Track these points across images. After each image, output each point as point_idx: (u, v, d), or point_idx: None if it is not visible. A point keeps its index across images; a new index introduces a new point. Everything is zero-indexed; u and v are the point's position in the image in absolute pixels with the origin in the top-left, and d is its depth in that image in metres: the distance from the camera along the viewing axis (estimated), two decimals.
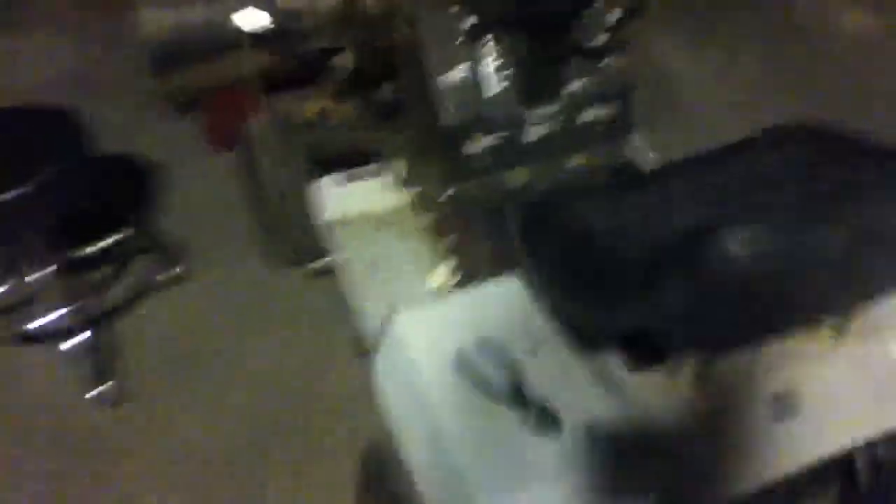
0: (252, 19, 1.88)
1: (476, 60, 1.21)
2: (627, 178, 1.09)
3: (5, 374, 1.59)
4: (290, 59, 1.97)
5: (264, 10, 1.91)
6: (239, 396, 1.62)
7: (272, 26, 1.84)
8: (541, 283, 0.90)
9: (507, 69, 1.21)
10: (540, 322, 0.87)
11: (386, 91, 1.51)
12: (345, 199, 1.52)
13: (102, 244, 1.72)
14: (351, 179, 1.55)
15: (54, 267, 1.61)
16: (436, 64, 1.20)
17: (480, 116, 1.21)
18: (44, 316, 1.62)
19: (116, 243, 1.74)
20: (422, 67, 1.24)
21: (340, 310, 1.59)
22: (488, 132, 1.22)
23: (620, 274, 0.77)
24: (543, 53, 1.19)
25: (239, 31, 1.94)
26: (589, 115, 1.26)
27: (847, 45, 2.50)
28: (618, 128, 1.28)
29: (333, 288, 1.65)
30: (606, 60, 1.24)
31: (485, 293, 0.92)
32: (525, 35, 1.20)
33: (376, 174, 1.53)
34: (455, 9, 1.21)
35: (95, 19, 2.76)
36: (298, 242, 1.70)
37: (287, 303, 1.77)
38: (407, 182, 1.47)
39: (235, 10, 1.98)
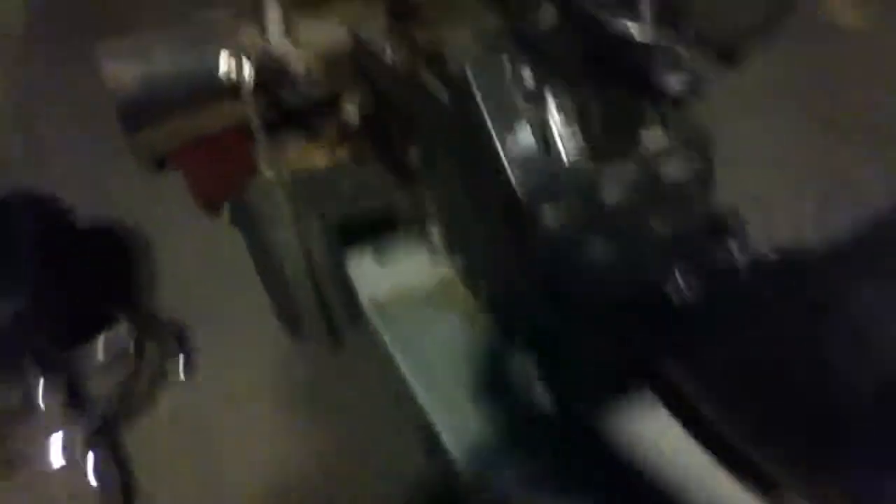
0: (237, 66, 1.71)
1: (542, 119, 1.06)
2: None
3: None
4: (279, 109, 1.80)
5: (251, 54, 1.74)
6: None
7: (261, 73, 1.67)
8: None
9: (578, 126, 1.07)
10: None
11: (412, 151, 1.35)
12: (387, 276, 1.36)
13: (103, 341, 1.53)
14: (388, 252, 1.39)
15: (55, 377, 1.42)
16: (497, 127, 1.05)
17: (553, 183, 1.06)
18: (50, 433, 1.43)
19: (118, 337, 1.55)
20: (470, 129, 1.09)
21: (385, 392, 1.44)
22: (562, 199, 1.07)
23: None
24: (618, 105, 1.05)
25: (221, 79, 1.76)
26: (668, 169, 1.12)
27: None
28: (699, 182, 1.15)
29: (370, 367, 1.50)
30: (685, 106, 1.10)
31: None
32: (596, 86, 1.05)
33: (415, 245, 1.38)
34: (511, 63, 1.06)
35: (44, 57, 2.52)
36: (322, 319, 1.53)
37: (314, 383, 1.61)
38: (452, 256, 1.32)
39: (213, 56, 1.81)
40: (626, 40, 0.88)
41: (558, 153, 1.06)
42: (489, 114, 1.05)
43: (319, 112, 1.76)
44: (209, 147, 1.92)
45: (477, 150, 1.10)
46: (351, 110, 1.64)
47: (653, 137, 1.10)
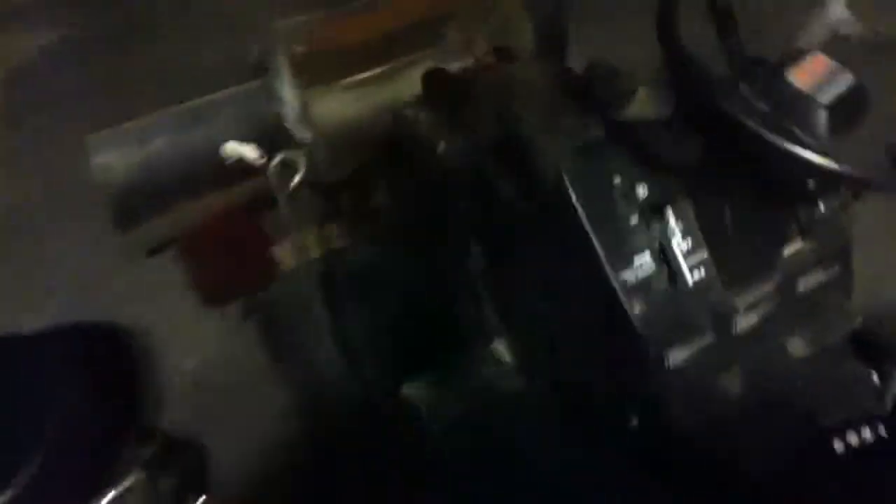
0: (242, 151, 1.50)
1: (661, 240, 0.87)
2: None
3: None
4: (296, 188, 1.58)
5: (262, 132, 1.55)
6: None
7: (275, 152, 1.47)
8: None
9: (705, 246, 0.87)
10: None
11: (475, 258, 1.15)
12: (451, 401, 1.16)
13: (114, 485, 1.30)
14: (448, 370, 1.18)
15: None
16: (607, 252, 0.85)
17: (678, 316, 0.87)
18: None
19: (129, 476, 1.32)
20: (568, 246, 0.90)
21: None
22: (692, 334, 0.88)
23: None
24: (755, 218, 0.86)
25: (228, 160, 1.55)
26: (807, 283, 0.94)
27: None
28: (838, 292, 0.96)
29: None
30: (822, 207, 0.91)
31: None
32: (729, 198, 0.86)
33: (479, 363, 1.17)
34: (618, 172, 0.87)
35: (28, 146, 2.24)
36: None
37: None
38: (528, 377, 1.12)
39: (218, 134, 1.60)
40: (788, 155, 0.69)
41: (684, 280, 0.86)
42: (596, 236, 0.86)
43: (338, 191, 1.56)
44: (215, 235, 1.71)
45: (578, 272, 0.90)
46: (381, 194, 1.45)
47: (793, 249, 0.91)
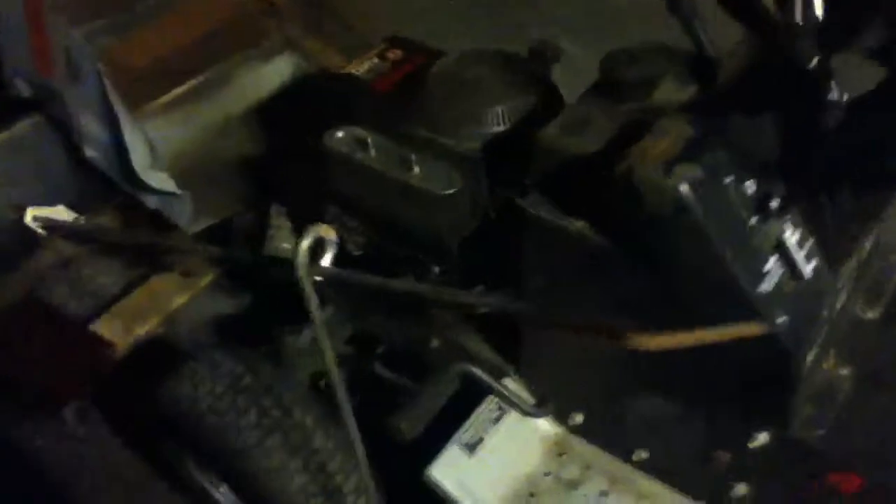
0: (51, 214, 1.15)
1: (778, 239, 0.77)
2: None
3: None
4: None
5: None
6: None
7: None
8: None
9: (813, 236, 0.79)
10: None
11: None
12: (486, 468, 0.96)
13: None
14: (475, 431, 0.97)
15: None
16: (743, 272, 0.73)
17: (807, 314, 0.79)
18: None
19: None
20: (693, 275, 0.76)
21: None
22: (816, 329, 0.80)
23: None
24: (851, 203, 0.80)
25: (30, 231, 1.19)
26: (868, 246, 0.91)
27: None
28: (878, 248, 0.95)
29: None
30: None
31: None
32: (820, 174, 0.79)
33: (506, 413, 0.98)
34: (731, 177, 0.74)
35: None
36: None
37: None
38: (567, 416, 0.97)
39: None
40: None
41: (803, 273, 0.78)
42: (727, 251, 0.73)
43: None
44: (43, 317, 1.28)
45: (697, 292, 0.77)
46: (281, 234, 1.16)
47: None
